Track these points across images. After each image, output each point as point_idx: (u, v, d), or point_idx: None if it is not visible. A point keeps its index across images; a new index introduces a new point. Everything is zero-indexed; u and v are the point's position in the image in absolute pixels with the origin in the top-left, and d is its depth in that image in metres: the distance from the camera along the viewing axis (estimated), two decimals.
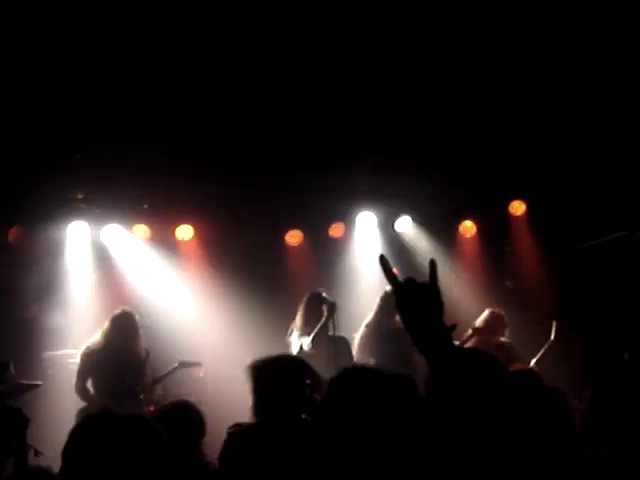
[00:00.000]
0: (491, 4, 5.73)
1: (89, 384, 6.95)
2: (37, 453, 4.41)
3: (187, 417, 4.00)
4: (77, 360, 7.13)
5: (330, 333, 7.04)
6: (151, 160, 7.21)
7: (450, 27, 5.97)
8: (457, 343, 7.28)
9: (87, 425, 2.34)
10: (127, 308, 7.21)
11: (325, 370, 6.41)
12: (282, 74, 6.28)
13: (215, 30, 5.68)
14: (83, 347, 7.05)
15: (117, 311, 7.10)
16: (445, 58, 6.37)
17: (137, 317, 7.18)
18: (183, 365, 7.59)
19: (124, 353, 6.93)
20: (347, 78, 6.48)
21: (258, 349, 8.02)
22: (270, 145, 7.46)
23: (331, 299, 7.14)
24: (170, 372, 7.47)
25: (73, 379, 6.98)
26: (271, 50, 5.99)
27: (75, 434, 2.30)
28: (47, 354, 8.18)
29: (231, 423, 4.03)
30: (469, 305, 9.16)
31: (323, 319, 6.99)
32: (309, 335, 6.91)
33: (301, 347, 6.84)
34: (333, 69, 6.33)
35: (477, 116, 7.30)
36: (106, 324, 7.03)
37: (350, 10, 5.53)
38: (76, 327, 8.28)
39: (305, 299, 7.31)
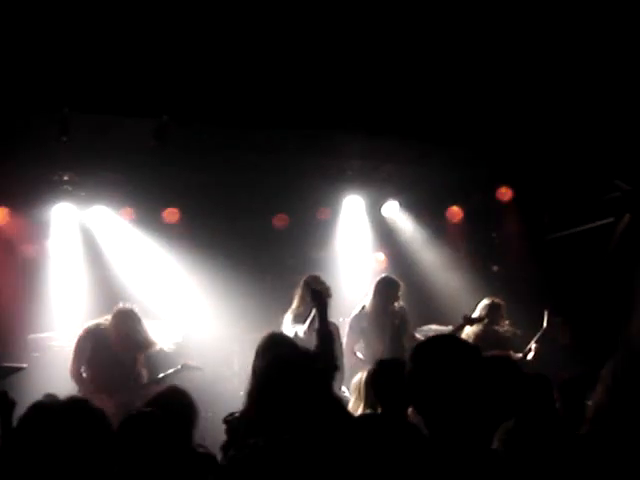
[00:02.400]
0: None
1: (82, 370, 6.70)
2: None
3: (179, 403, 4.02)
4: (62, 343, 7.07)
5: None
6: (138, 143, 7.15)
7: (442, 10, 5.97)
8: (450, 329, 7.29)
9: (28, 415, 2.33)
10: (133, 307, 6.89)
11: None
12: (271, 59, 6.24)
13: (203, 12, 5.65)
14: (82, 329, 6.77)
15: (122, 308, 6.82)
16: (437, 43, 6.36)
17: (140, 318, 6.84)
18: (185, 368, 7.17)
19: (120, 350, 6.67)
20: (337, 62, 6.45)
21: (244, 332, 8.12)
22: (258, 128, 7.42)
23: (326, 283, 7.04)
24: (172, 373, 7.06)
25: (58, 361, 6.92)
26: (260, 32, 5.95)
27: (18, 425, 2.31)
28: (32, 336, 8.13)
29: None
30: (455, 290, 9.24)
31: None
32: (303, 319, 6.82)
33: (296, 334, 6.73)
34: (323, 53, 6.30)
35: (465, 102, 7.30)
36: (110, 319, 6.75)
37: None
38: (61, 309, 8.27)
39: (301, 282, 7.23)
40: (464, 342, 2.76)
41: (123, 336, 6.70)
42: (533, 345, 7.48)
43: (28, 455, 2.22)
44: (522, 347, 7.50)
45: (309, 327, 6.70)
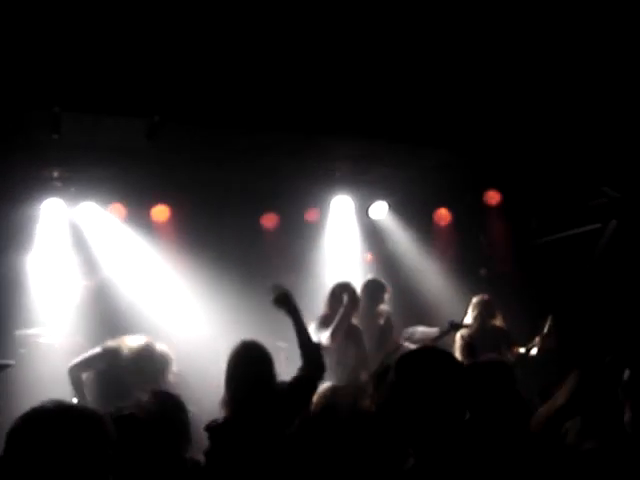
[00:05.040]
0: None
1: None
2: None
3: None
4: (50, 340, 6.99)
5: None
6: (129, 141, 7.15)
7: (433, 15, 6.00)
8: (437, 331, 7.17)
9: (22, 423, 2.32)
10: (157, 345, 6.44)
11: (335, 362, 6.39)
12: (262, 60, 6.26)
13: (197, 13, 5.65)
14: (103, 345, 6.35)
15: (146, 346, 6.36)
16: (426, 46, 6.40)
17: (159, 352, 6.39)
18: None
19: (129, 384, 6.05)
20: (327, 64, 6.47)
21: (230, 332, 8.10)
22: (248, 128, 7.43)
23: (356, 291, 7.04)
24: None
25: (45, 358, 6.85)
26: (252, 34, 5.96)
27: (12, 433, 2.29)
28: (18, 332, 8.10)
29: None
30: (442, 292, 9.29)
31: (342, 309, 6.86)
32: (330, 326, 6.75)
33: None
34: (313, 55, 6.32)
35: (456, 106, 7.33)
36: (130, 348, 6.30)
37: None
38: (47, 306, 8.24)
39: (330, 290, 7.14)
40: (448, 355, 2.80)
41: (136, 374, 6.14)
42: (537, 341, 7.42)
43: (22, 466, 2.21)
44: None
45: (334, 334, 6.66)
